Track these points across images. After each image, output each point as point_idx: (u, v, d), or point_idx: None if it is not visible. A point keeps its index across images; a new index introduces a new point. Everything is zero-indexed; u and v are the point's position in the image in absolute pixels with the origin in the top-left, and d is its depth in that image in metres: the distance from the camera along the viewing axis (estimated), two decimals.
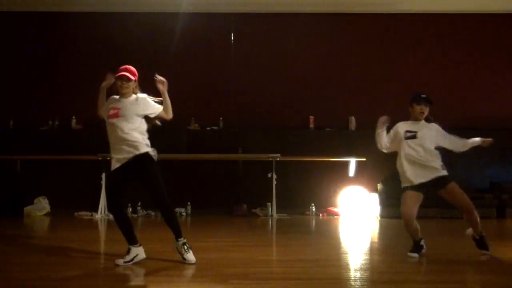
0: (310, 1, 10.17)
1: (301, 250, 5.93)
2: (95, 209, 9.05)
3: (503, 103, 10.48)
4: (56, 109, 10.15)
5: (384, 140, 5.59)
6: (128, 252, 4.93)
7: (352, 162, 9.80)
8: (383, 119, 5.59)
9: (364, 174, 9.78)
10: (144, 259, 4.97)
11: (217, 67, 10.52)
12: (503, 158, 10.05)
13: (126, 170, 4.97)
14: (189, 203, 9.45)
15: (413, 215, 5.26)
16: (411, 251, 5.31)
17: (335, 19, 10.55)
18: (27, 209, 9.27)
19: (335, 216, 9.40)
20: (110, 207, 5.28)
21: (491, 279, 4.48)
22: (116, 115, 5.09)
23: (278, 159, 9.39)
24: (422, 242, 5.39)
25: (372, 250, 6.18)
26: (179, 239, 4.97)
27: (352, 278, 4.56)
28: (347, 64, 10.42)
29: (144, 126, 5.15)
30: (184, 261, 4.88)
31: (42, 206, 9.37)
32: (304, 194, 9.80)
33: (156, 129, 10.48)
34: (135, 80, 5.16)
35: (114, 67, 5.35)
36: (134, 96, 5.19)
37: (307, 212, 9.52)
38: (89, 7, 10.07)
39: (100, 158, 8.86)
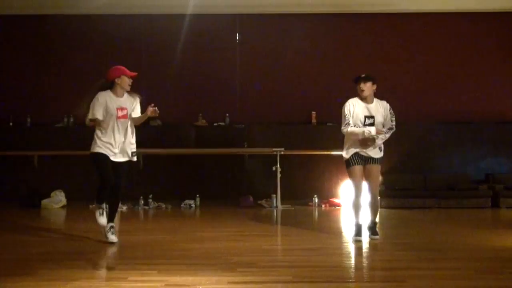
0: (312, 2, 10.28)
1: (305, 239, 6.05)
2: None
3: (497, 97, 10.57)
4: (71, 107, 10.10)
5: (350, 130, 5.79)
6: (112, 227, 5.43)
7: None
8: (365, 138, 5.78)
9: None
10: (155, 248, 5.40)
11: (223, 66, 10.61)
12: (497, 151, 10.23)
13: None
14: (197, 195, 9.57)
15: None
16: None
17: (336, 19, 10.61)
18: (44, 202, 9.43)
19: (337, 207, 9.50)
20: (109, 181, 5.42)
21: (486, 265, 4.63)
22: (125, 116, 5.24)
23: (282, 152, 9.47)
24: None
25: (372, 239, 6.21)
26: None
27: (354, 266, 4.73)
28: (347, 62, 10.42)
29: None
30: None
31: (58, 199, 9.53)
32: (307, 186, 9.93)
33: (166, 126, 10.81)
34: None
35: (127, 67, 5.66)
36: (126, 94, 5.41)
37: (310, 203, 9.59)
38: (100, 9, 10.20)
39: None
